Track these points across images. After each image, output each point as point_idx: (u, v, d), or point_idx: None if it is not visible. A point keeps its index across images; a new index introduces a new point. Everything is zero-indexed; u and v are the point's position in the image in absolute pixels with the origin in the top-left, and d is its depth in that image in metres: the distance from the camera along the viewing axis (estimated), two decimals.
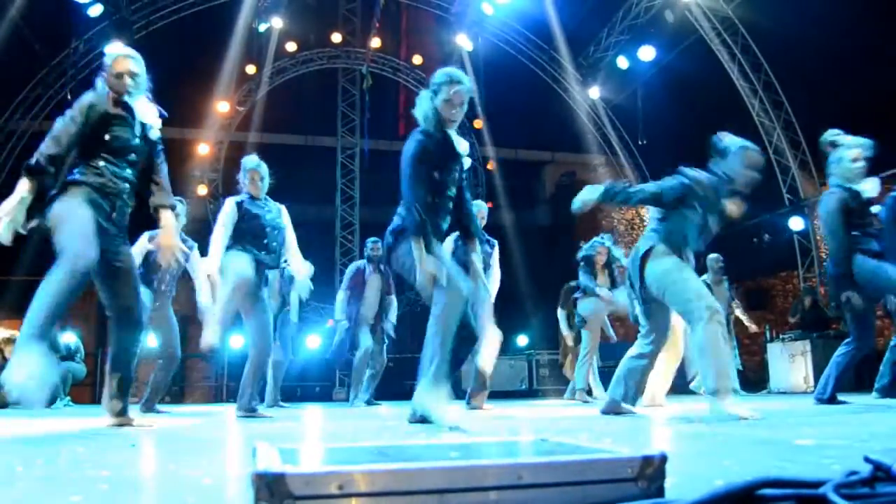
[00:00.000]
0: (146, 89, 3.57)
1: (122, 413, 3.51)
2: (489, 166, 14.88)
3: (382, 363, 7.64)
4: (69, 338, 8.64)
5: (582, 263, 7.18)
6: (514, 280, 11.07)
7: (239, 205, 4.80)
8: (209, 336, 4.52)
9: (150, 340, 5.82)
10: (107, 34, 11.74)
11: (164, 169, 3.63)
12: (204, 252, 5.04)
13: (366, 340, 7.31)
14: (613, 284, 7.15)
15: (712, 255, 8.37)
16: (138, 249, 4.55)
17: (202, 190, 13.50)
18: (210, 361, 12.73)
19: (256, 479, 0.90)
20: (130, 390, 3.64)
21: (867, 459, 1.00)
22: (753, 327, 8.93)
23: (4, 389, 2.85)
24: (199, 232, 6.65)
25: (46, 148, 3.22)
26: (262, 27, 13.08)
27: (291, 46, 14.12)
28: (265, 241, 4.79)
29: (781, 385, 9.51)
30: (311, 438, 3.10)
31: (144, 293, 5.05)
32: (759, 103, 12.06)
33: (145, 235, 5.67)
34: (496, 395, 9.33)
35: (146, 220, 3.66)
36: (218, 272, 4.59)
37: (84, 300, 12.37)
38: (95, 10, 11.26)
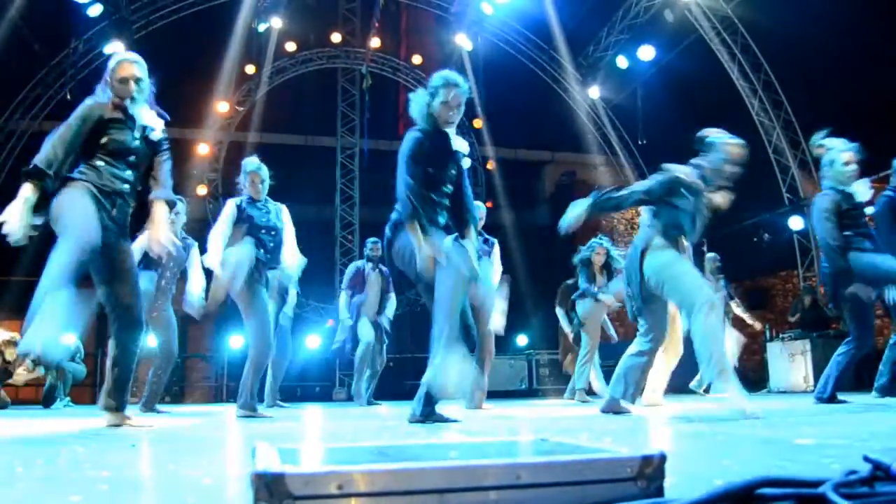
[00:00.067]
0: (149, 94, 3.60)
1: (117, 410, 3.51)
2: (489, 166, 14.88)
3: (382, 363, 7.66)
4: (69, 338, 8.64)
5: (580, 265, 7.18)
6: (513, 280, 11.05)
7: (239, 207, 4.82)
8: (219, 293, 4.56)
9: (150, 340, 5.82)
10: (106, 34, 11.73)
11: (165, 167, 3.64)
12: (203, 252, 5.04)
13: (367, 334, 7.34)
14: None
15: (710, 255, 8.37)
16: (138, 247, 4.56)
17: (202, 190, 13.50)
18: (210, 361, 12.74)
19: (256, 479, 0.90)
20: (130, 390, 3.65)
21: (867, 459, 1.00)
22: (757, 325, 8.92)
23: (25, 348, 2.86)
24: (199, 232, 6.65)
25: (45, 153, 3.25)
26: (262, 27, 13.07)
27: (291, 46, 14.11)
28: (264, 242, 4.80)
29: (781, 384, 9.52)
30: (310, 438, 3.10)
31: (144, 292, 5.06)
32: (758, 103, 12.06)
33: (145, 234, 5.66)
34: (496, 395, 9.33)
35: (146, 219, 3.66)
36: (220, 265, 4.61)
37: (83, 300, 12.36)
38: (95, 10, 11.25)
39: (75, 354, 8.59)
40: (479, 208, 5.97)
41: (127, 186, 3.45)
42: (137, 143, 3.49)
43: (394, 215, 3.64)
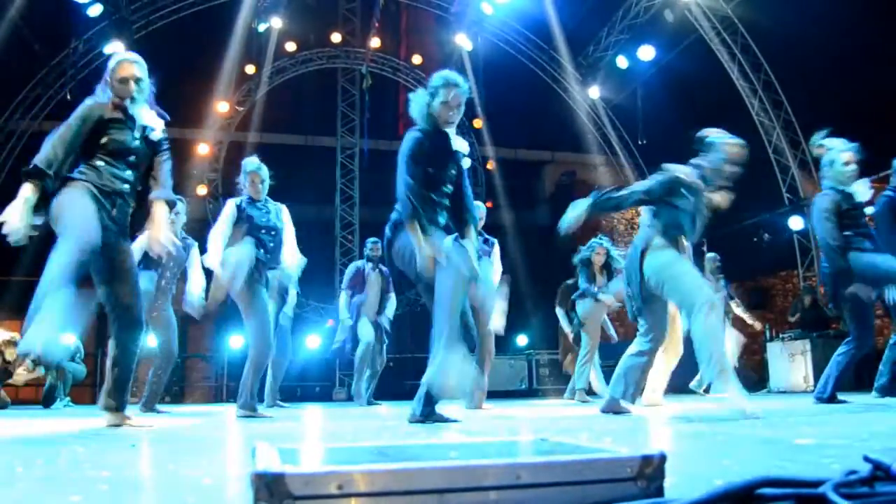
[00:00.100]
0: (150, 94, 3.60)
1: (116, 410, 3.50)
2: (489, 166, 14.88)
3: (382, 363, 7.67)
4: (69, 338, 8.64)
5: (580, 265, 7.18)
6: (513, 280, 11.05)
7: (239, 207, 4.82)
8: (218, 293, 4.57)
9: (150, 340, 5.82)
10: (106, 34, 11.73)
11: (165, 166, 3.64)
12: (203, 252, 5.05)
13: (367, 334, 7.35)
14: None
15: (710, 255, 8.36)
16: (137, 247, 4.56)
17: (202, 190, 13.50)
18: (210, 361, 12.74)
19: (256, 479, 0.89)
20: (130, 390, 3.64)
21: (867, 459, 1.00)
22: (757, 325, 8.92)
23: (25, 348, 2.86)
24: (199, 232, 6.66)
25: (44, 153, 3.26)
26: (262, 27, 13.07)
27: (291, 46, 14.11)
28: (264, 242, 4.80)
29: (781, 384, 9.52)
30: (310, 438, 3.10)
31: (144, 292, 5.07)
32: (758, 103, 12.06)
33: (145, 234, 5.68)
34: (496, 395, 9.33)
35: (146, 219, 3.67)
36: (220, 265, 4.61)
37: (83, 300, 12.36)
38: (95, 10, 11.25)
39: (75, 354, 8.59)
40: (479, 208, 5.97)
41: (127, 186, 3.46)
42: (137, 143, 3.50)
43: (394, 215, 3.64)
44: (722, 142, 3.92)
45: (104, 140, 3.41)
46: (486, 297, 5.44)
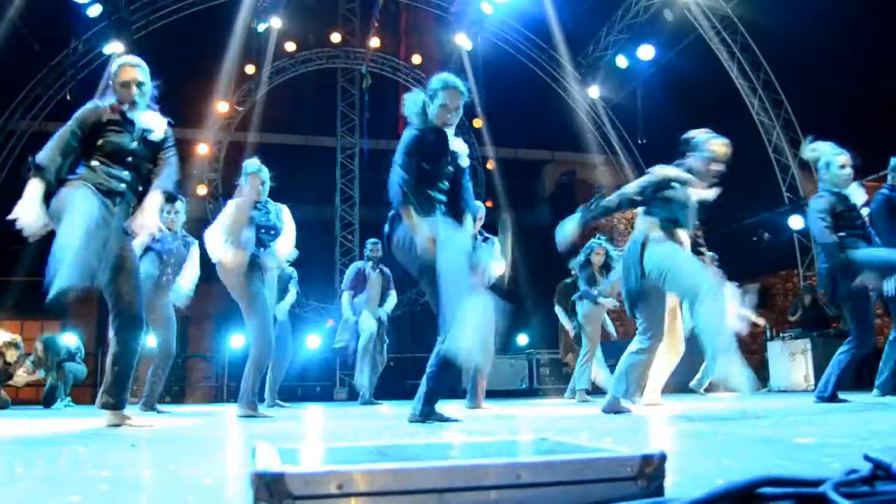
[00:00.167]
0: (152, 97, 3.63)
1: (115, 408, 3.49)
2: (489, 166, 14.87)
3: (383, 362, 7.67)
4: (70, 339, 8.64)
5: (580, 267, 7.20)
6: (514, 280, 11.06)
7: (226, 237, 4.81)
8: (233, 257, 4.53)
9: (150, 340, 5.82)
10: (106, 34, 11.72)
11: (167, 162, 3.67)
12: (203, 251, 5.05)
13: (369, 326, 7.34)
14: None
15: (709, 254, 8.36)
16: (138, 243, 4.57)
17: (202, 190, 13.51)
18: (210, 361, 12.75)
19: (255, 479, 0.89)
20: (130, 389, 3.64)
21: (867, 458, 1.00)
22: (761, 321, 8.90)
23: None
24: (199, 231, 6.66)
25: (43, 152, 3.33)
26: (262, 27, 13.06)
27: (291, 46, 14.11)
28: (265, 243, 4.80)
29: (782, 383, 9.51)
30: (310, 438, 3.10)
31: (147, 276, 5.18)
32: (758, 102, 12.05)
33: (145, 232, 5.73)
34: (497, 395, 9.33)
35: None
36: (225, 246, 4.62)
37: (84, 301, 12.37)
38: (94, 11, 11.24)
39: (76, 355, 8.60)
40: (479, 208, 5.97)
41: (123, 186, 3.49)
42: (135, 144, 3.53)
43: (391, 212, 3.66)
44: (707, 141, 4.02)
45: (101, 142, 3.46)
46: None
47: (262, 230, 4.81)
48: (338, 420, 4.88)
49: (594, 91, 14.04)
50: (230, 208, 4.84)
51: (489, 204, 11.65)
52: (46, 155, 3.31)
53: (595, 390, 7.20)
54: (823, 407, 4.46)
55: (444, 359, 3.52)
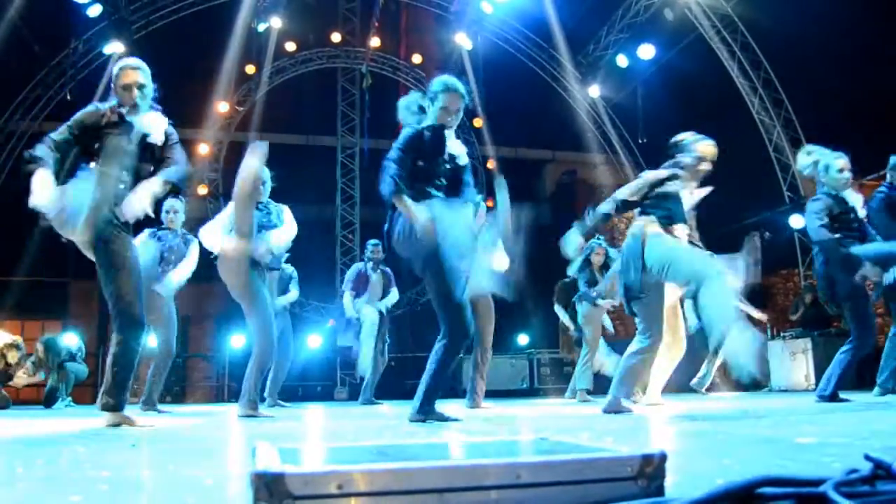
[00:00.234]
0: (153, 98, 3.64)
1: (115, 409, 3.49)
2: (489, 165, 14.86)
3: (384, 362, 7.67)
4: (70, 339, 8.64)
5: (580, 269, 7.20)
6: (514, 280, 11.06)
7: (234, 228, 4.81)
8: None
9: (151, 340, 5.83)
10: (106, 34, 11.72)
11: (177, 159, 3.68)
12: (203, 250, 5.06)
13: (371, 315, 7.32)
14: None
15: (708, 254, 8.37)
16: (138, 242, 4.58)
17: (202, 190, 13.51)
18: (211, 361, 12.75)
19: (255, 479, 0.89)
20: (130, 390, 3.64)
21: (868, 457, 1.00)
22: (763, 317, 8.88)
23: None
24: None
25: (38, 146, 3.38)
26: (262, 27, 13.06)
27: (291, 46, 14.10)
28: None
29: (782, 383, 9.51)
30: (311, 438, 3.10)
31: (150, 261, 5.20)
32: (758, 101, 12.04)
33: (146, 232, 5.78)
34: (497, 395, 9.33)
35: (147, 219, 3.68)
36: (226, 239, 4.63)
37: (85, 301, 12.38)
38: (94, 11, 11.24)
39: (77, 354, 8.61)
40: (480, 205, 5.97)
41: (122, 186, 3.49)
42: (133, 147, 3.53)
43: (390, 211, 3.66)
44: (694, 142, 4.15)
45: (98, 145, 3.50)
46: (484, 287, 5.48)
47: (264, 230, 4.80)
48: (338, 420, 4.88)
49: (595, 90, 14.04)
50: (230, 208, 4.83)
51: (489, 203, 11.63)
52: (41, 148, 3.35)
53: (596, 390, 7.20)
54: (824, 406, 4.46)
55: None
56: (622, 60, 13.06)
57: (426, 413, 3.59)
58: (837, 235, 4.68)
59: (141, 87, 3.57)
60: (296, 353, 8.02)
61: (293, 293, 7.43)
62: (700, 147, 4.13)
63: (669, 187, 4.02)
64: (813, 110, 11.05)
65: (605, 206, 4.09)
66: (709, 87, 12.37)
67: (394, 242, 3.67)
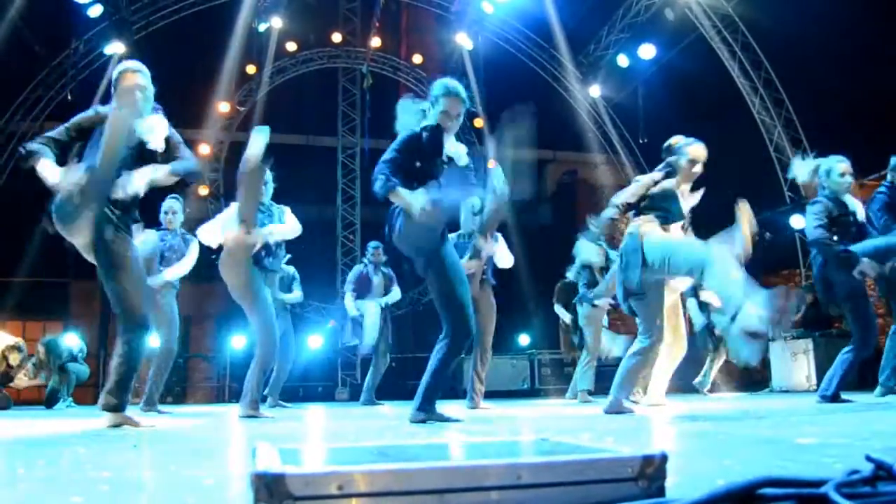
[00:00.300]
0: (153, 98, 3.65)
1: (116, 409, 3.49)
2: (490, 165, 14.86)
3: (385, 363, 7.67)
4: (72, 340, 8.64)
5: (580, 269, 7.21)
6: (515, 279, 11.07)
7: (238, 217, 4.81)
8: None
9: (153, 341, 5.83)
10: (107, 35, 11.72)
11: (183, 156, 3.69)
12: (204, 250, 5.06)
13: (373, 308, 7.33)
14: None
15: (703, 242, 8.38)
16: (139, 241, 4.58)
17: (203, 190, 13.52)
18: (212, 361, 12.76)
19: (256, 480, 0.89)
20: (132, 391, 3.64)
21: (869, 458, 1.00)
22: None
23: None
24: None
25: (35, 140, 3.43)
26: (262, 27, 13.06)
27: (291, 46, 14.10)
28: (266, 246, 4.79)
29: (783, 384, 9.50)
30: (312, 438, 3.10)
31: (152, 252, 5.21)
32: (759, 101, 12.04)
33: (144, 232, 5.78)
34: (498, 395, 9.33)
35: (150, 219, 3.69)
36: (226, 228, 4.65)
37: (86, 301, 12.38)
38: (95, 11, 11.24)
39: (78, 355, 8.60)
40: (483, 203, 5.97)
41: (119, 191, 3.48)
42: (126, 150, 3.52)
43: (389, 211, 3.66)
44: (686, 145, 4.22)
45: (90, 146, 3.49)
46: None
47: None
48: (339, 420, 4.88)
49: (595, 90, 14.03)
50: (232, 209, 4.83)
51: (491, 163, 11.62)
52: (35, 143, 3.38)
53: (597, 391, 7.21)
54: (825, 407, 4.45)
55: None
56: (623, 60, 13.06)
57: (427, 412, 3.59)
58: (835, 238, 4.71)
59: (142, 89, 3.57)
60: (297, 353, 8.03)
61: (297, 293, 7.44)
62: (691, 150, 4.20)
63: (665, 187, 4.08)
64: (813, 110, 11.05)
65: (608, 212, 4.17)
66: (709, 86, 12.37)
67: (395, 240, 3.66)
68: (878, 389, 5.19)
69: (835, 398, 4.75)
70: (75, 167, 3.25)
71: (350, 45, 14.53)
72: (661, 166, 4.26)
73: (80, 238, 3.40)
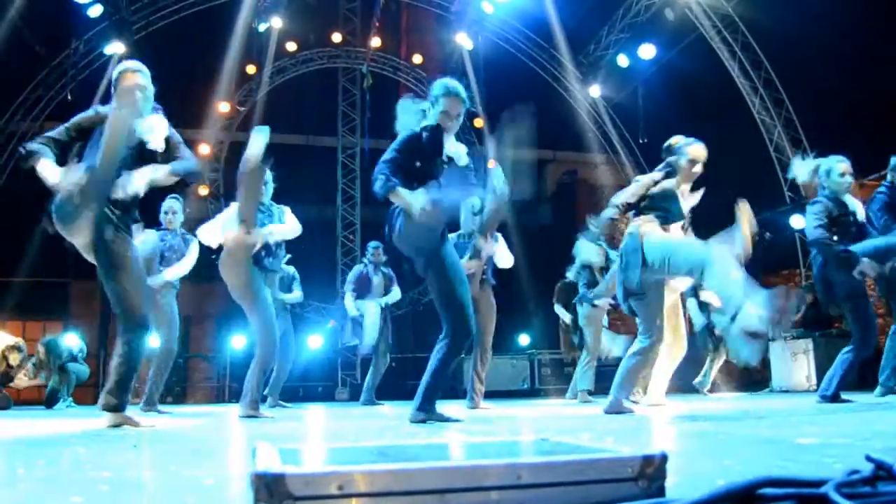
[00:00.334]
0: (153, 98, 3.65)
1: (116, 409, 3.49)
2: (490, 165, 14.86)
3: (386, 364, 7.67)
4: (72, 340, 8.63)
5: (580, 270, 7.21)
6: (515, 279, 11.07)
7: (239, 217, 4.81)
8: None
9: (153, 341, 5.83)
10: (107, 35, 11.72)
11: (183, 156, 3.70)
12: (204, 250, 5.06)
13: (373, 307, 7.33)
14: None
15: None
16: (139, 241, 4.58)
17: (203, 191, 13.52)
18: (212, 361, 12.76)
19: (256, 480, 0.89)
20: (132, 391, 3.64)
21: (869, 458, 1.00)
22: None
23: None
24: None
25: (35, 139, 3.43)
26: (262, 27, 13.06)
27: (291, 46, 14.10)
28: (266, 246, 4.79)
29: (783, 384, 9.50)
30: (312, 438, 3.10)
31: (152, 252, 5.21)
32: (759, 101, 12.04)
33: (144, 232, 5.79)
34: (498, 395, 9.33)
35: (149, 219, 3.70)
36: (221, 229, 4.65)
37: (86, 301, 12.38)
38: (95, 11, 11.24)
39: (78, 355, 8.60)
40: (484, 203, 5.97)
41: (119, 190, 3.48)
42: (130, 150, 3.52)
43: (389, 211, 3.66)
44: (686, 145, 4.23)
45: (94, 146, 3.49)
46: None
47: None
48: (339, 420, 4.88)
49: (595, 90, 14.03)
50: (232, 209, 4.83)
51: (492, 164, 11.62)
52: (35, 142, 3.38)
53: (597, 391, 7.21)
54: (825, 407, 4.45)
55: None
56: (623, 60, 13.06)
57: (427, 412, 3.59)
58: (835, 238, 4.71)
59: (142, 89, 3.57)
60: (297, 353, 8.03)
61: (298, 293, 7.44)
62: (691, 150, 4.21)
63: (665, 187, 4.09)
64: (813, 110, 11.05)
65: (608, 212, 4.17)
66: (709, 86, 12.37)
67: (395, 241, 3.65)
68: (879, 389, 5.18)
69: (835, 398, 4.75)
70: (75, 167, 3.24)
71: (350, 45, 14.53)
72: (660, 166, 4.26)
73: (80, 238, 3.40)
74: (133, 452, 2.26)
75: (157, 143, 3.57)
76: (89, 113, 3.55)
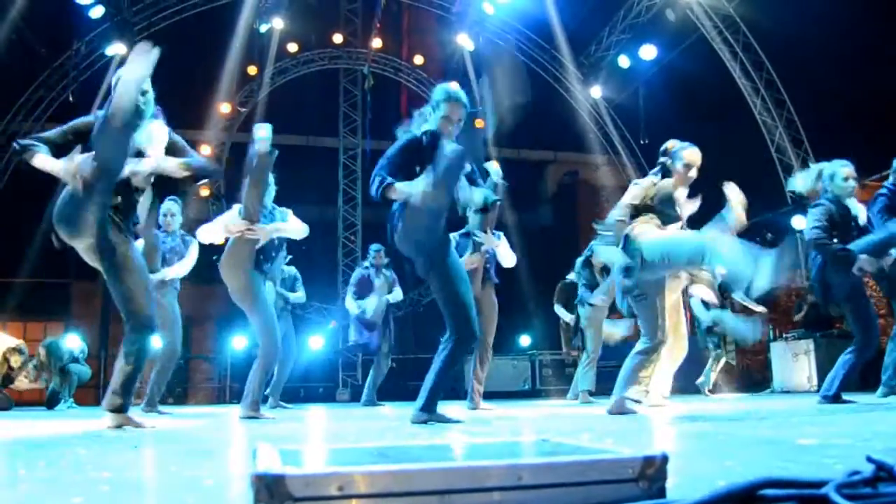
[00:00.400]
0: (153, 101, 3.64)
1: (120, 410, 3.49)
2: (492, 166, 14.86)
3: (387, 364, 7.68)
4: (73, 341, 8.64)
5: (580, 270, 7.22)
6: (516, 280, 11.07)
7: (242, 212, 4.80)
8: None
9: (156, 342, 5.83)
10: (108, 36, 11.74)
11: (193, 156, 3.74)
12: (204, 250, 5.06)
13: (375, 301, 7.35)
14: None
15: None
16: (139, 244, 4.58)
17: (204, 191, 13.53)
18: (213, 362, 12.77)
19: (256, 481, 0.89)
20: (134, 391, 3.64)
21: (869, 459, 1.00)
22: (763, 310, 8.85)
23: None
24: None
25: (29, 137, 3.42)
26: (264, 28, 13.07)
27: (293, 47, 14.12)
28: (266, 248, 4.79)
29: (784, 384, 9.50)
30: (312, 439, 3.10)
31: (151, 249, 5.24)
32: (760, 102, 12.04)
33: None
34: (499, 396, 9.33)
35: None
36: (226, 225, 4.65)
37: (87, 301, 12.39)
38: (97, 12, 11.26)
39: (79, 356, 8.60)
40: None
41: (119, 199, 3.47)
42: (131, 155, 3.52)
43: (389, 212, 3.66)
44: (682, 150, 4.25)
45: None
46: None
47: None
48: (340, 421, 4.88)
49: (596, 91, 14.04)
50: (234, 210, 4.82)
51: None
52: (29, 140, 3.37)
53: (597, 391, 7.21)
54: (826, 408, 4.45)
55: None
56: (624, 61, 13.06)
57: (429, 412, 3.59)
58: (835, 241, 4.72)
59: (144, 93, 3.56)
60: (298, 354, 8.03)
61: (300, 293, 7.44)
62: (686, 154, 4.23)
63: (663, 188, 4.11)
64: (814, 111, 11.05)
65: (617, 214, 4.15)
66: (711, 87, 12.37)
67: (397, 241, 3.64)
68: (881, 390, 5.17)
69: (836, 399, 4.75)
70: (80, 156, 3.23)
71: (351, 46, 14.55)
72: (655, 170, 4.32)
73: (82, 241, 3.39)
74: (133, 453, 2.26)
75: (156, 153, 3.56)
76: (89, 118, 3.53)
